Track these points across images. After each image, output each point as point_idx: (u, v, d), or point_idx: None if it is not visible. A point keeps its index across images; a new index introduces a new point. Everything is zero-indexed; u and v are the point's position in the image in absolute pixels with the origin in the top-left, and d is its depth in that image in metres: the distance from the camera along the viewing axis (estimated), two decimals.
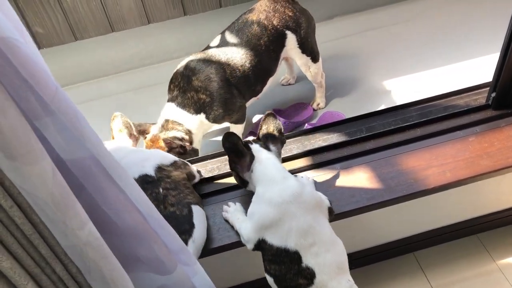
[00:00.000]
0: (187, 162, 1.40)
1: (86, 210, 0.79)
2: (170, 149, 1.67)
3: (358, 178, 1.42)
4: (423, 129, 1.54)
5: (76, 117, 0.73)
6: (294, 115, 1.99)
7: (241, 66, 1.74)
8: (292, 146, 1.59)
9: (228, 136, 1.19)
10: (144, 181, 1.24)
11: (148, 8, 2.26)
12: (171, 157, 1.35)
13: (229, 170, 1.32)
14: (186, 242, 1.17)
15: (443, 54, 2.20)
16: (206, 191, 1.46)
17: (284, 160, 1.53)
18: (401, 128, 1.56)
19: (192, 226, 1.21)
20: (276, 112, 1.98)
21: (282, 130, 1.30)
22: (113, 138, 1.47)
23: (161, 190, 1.22)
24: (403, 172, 1.41)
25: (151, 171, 1.26)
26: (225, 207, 1.36)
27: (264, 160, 1.22)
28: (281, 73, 2.23)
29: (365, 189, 1.38)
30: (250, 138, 1.32)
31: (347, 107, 2.01)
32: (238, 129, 1.87)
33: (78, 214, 0.77)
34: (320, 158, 1.52)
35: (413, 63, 2.19)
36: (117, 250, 0.89)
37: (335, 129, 1.65)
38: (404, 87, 2.07)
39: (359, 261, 1.58)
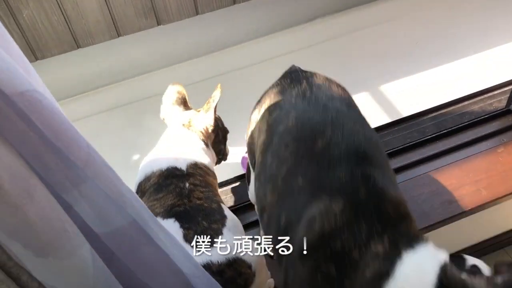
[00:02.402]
0: None
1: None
2: None
3: None
4: (445, 142, 1.43)
5: (112, 179, 0.55)
6: None
7: None
8: None
9: None
10: (170, 174, 1.10)
11: (118, 20, 2.02)
12: (212, 166, 1.21)
13: None
14: (219, 232, 1.01)
15: (436, 54, 2.10)
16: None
17: None
18: (420, 143, 1.44)
19: (224, 216, 1.05)
20: None
21: None
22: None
23: (186, 185, 1.08)
24: (435, 193, 1.29)
25: (182, 165, 1.12)
26: None
27: None
28: None
29: None
30: None
31: None
32: None
33: None
34: None
35: (405, 65, 2.07)
36: None
37: None
38: (400, 93, 1.94)
39: None
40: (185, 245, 0.97)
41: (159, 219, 1.02)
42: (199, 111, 1.26)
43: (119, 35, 2.07)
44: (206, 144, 1.23)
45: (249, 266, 0.99)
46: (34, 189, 0.43)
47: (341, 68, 2.11)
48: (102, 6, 1.96)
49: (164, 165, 1.12)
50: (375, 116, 1.84)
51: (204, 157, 1.18)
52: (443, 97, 1.65)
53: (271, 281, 1.16)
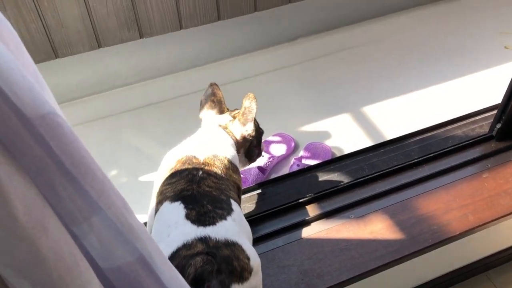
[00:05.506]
0: None
1: None
2: None
3: (376, 228, 1.27)
4: (431, 166, 1.44)
5: (123, 211, 0.50)
6: (275, 149, 1.81)
7: None
8: (293, 191, 1.41)
9: None
10: (187, 162, 1.08)
11: (99, 31, 1.97)
12: (237, 162, 1.18)
13: None
14: (223, 217, 0.97)
15: (419, 76, 2.13)
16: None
17: (288, 209, 1.35)
18: (407, 166, 1.45)
19: (231, 209, 1.02)
20: None
21: None
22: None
23: (200, 173, 1.05)
24: (424, 217, 1.29)
25: (201, 155, 1.10)
26: None
27: None
28: None
29: (387, 240, 1.24)
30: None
31: (323, 139, 1.86)
32: None
33: None
34: (329, 204, 1.36)
35: (387, 87, 2.10)
36: None
37: (334, 167, 1.50)
38: (382, 115, 1.96)
39: None
40: (186, 222, 0.95)
41: (167, 203, 1.01)
42: (234, 117, 1.25)
43: (99, 46, 2.02)
44: (237, 150, 1.21)
45: (247, 258, 0.94)
46: (48, 221, 0.39)
47: (323, 89, 2.12)
48: (83, 16, 1.91)
49: (184, 153, 1.11)
50: (358, 138, 1.84)
51: (229, 151, 1.16)
52: (425, 121, 1.67)
53: None
